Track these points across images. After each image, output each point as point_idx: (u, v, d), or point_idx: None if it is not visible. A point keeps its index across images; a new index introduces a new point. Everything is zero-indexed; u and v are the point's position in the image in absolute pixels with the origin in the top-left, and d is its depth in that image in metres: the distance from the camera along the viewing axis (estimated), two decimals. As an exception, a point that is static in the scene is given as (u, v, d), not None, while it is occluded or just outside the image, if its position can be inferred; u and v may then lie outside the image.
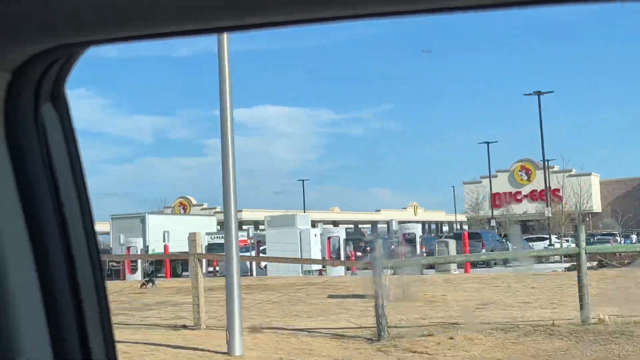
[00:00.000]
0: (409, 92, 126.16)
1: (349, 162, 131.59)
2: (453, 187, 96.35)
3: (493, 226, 62.91)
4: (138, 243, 47.27)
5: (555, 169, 76.93)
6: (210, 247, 42.63)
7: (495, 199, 78.51)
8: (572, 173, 77.34)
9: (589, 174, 79.99)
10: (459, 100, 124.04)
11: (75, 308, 1.51)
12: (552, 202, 73.42)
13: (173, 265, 44.50)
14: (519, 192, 78.02)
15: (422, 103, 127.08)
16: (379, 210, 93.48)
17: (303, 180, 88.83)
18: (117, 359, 1.61)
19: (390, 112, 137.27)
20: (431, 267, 32.14)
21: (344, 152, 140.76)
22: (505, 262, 36.27)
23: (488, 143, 68.61)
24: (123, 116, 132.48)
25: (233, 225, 11.65)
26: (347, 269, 32.47)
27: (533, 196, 77.58)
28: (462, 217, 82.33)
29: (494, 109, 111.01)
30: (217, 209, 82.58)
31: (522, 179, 78.30)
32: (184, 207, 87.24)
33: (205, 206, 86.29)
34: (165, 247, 45.88)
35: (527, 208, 75.28)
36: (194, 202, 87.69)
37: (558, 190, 75.98)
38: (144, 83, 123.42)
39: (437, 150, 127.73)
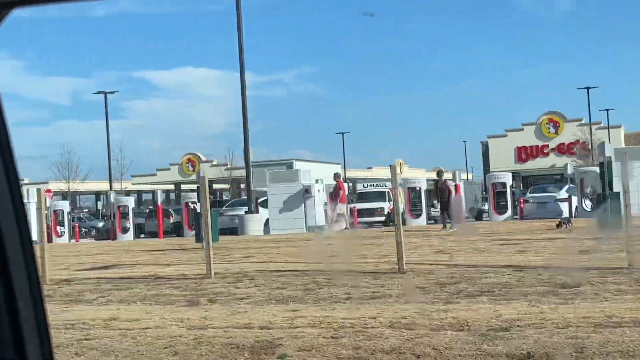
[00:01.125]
0: (330, 54, 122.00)
1: (273, 125, 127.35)
2: (464, 141, 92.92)
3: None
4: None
5: (583, 121, 73.74)
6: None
7: (521, 153, 74.85)
8: (601, 126, 73.71)
9: (619, 127, 76.24)
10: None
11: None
12: (581, 155, 70.37)
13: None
14: (546, 146, 74.28)
15: (347, 65, 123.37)
16: (370, 168, 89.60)
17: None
18: None
19: (311, 74, 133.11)
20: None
21: (268, 115, 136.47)
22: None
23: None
24: (38, 78, 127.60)
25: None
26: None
27: (560, 149, 73.95)
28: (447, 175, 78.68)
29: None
30: (228, 165, 78.87)
31: (549, 132, 74.48)
32: (193, 164, 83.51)
33: (215, 162, 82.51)
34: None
35: (555, 162, 71.61)
36: (204, 158, 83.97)
37: (586, 142, 72.88)
38: (59, 44, 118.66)
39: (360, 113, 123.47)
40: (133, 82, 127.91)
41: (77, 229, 47.53)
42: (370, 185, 63.51)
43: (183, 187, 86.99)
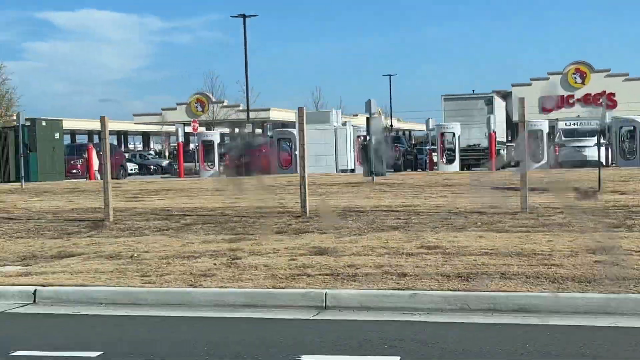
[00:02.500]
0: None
1: (179, 72, 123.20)
2: (473, 89, 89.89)
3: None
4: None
5: (610, 72, 71.18)
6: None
7: (546, 103, 72.03)
8: (629, 77, 71.13)
9: (647, 77, 73.47)
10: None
11: None
12: (608, 106, 68.16)
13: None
14: (572, 96, 71.59)
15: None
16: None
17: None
18: None
19: (218, 22, 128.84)
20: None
21: (174, 62, 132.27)
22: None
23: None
24: None
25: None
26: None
27: (587, 100, 71.27)
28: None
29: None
30: (241, 107, 75.81)
31: (575, 82, 71.73)
32: (202, 104, 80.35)
33: (226, 103, 79.37)
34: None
35: (580, 112, 68.98)
36: (214, 98, 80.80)
37: (613, 94, 70.40)
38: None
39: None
40: (34, 23, 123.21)
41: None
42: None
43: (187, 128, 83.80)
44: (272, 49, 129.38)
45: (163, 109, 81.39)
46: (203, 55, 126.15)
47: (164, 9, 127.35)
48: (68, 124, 72.54)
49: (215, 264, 10.56)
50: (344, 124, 40.44)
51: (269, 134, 48.92)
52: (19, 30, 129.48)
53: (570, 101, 70.48)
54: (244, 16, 53.01)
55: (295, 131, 40.17)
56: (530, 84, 72.33)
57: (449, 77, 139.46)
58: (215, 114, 78.91)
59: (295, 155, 37.78)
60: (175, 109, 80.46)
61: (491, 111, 46.57)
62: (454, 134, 41.47)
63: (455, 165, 40.77)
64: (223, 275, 9.86)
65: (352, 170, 39.19)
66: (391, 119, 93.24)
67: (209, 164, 41.84)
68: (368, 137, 29.97)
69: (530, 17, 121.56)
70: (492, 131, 42.85)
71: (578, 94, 70.48)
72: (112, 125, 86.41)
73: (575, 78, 71.26)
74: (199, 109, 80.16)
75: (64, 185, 32.03)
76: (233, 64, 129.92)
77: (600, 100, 68.99)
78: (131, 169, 51.10)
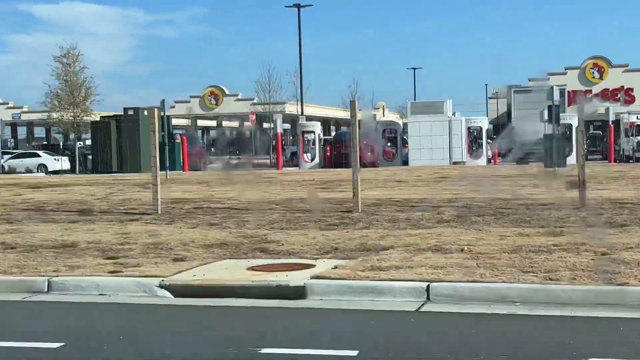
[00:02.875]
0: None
1: (164, 66, 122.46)
2: (486, 85, 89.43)
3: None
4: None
5: (628, 67, 70.62)
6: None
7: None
8: (648, 72, 70.54)
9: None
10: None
11: None
12: (626, 101, 67.63)
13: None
14: (590, 91, 70.98)
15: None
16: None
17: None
18: None
19: (203, 16, 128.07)
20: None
21: (159, 56, 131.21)
22: None
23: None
24: None
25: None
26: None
27: (604, 95, 70.68)
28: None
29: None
30: (255, 100, 75.26)
31: (593, 77, 71.15)
32: (216, 97, 79.84)
33: (240, 96, 78.85)
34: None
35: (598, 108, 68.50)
36: (227, 92, 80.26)
37: (632, 89, 69.85)
38: None
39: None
40: (17, 15, 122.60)
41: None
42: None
43: (200, 122, 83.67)
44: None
45: (176, 102, 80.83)
46: (188, 49, 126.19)
47: (148, 2, 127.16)
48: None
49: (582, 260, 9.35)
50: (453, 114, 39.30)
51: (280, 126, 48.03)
52: (1, 23, 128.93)
53: (588, 96, 69.97)
54: (298, 6, 52.17)
55: (401, 123, 39.69)
56: (548, 79, 71.75)
57: (459, 71, 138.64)
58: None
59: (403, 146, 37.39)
60: (188, 101, 79.99)
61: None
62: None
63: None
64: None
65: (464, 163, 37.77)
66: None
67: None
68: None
69: (547, 10, 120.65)
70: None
71: (596, 89, 70.00)
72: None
73: (593, 73, 70.73)
74: (213, 101, 79.63)
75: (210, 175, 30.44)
76: (221, 57, 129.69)
77: (618, 95, 68.59)
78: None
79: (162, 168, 29.94)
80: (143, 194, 19.89)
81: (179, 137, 40.28)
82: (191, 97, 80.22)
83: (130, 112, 35.44)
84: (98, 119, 44.31)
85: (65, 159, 44.47)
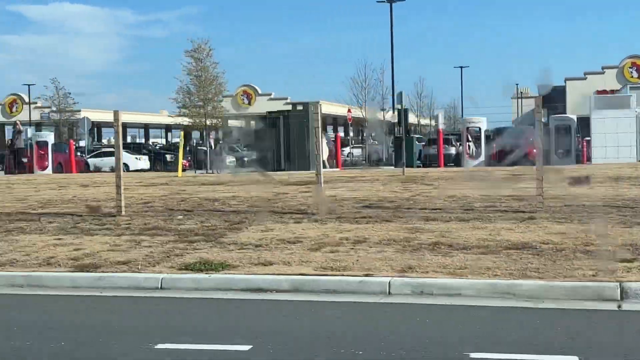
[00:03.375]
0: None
1: (153, 66, 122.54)
2: (517, 84, 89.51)
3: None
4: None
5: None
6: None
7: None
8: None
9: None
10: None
11: None
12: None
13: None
14: (628, 90, 71.08)
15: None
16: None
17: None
18: None
19: (193, 15, 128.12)
20: None
21: (148, 55, 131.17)
22: None
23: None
24: None
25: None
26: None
27: (645, 94, 70.71)
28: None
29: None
30: (289, 100, 74.79)
31: (631, 76, 71.20)
32: (248, 96, 79.20)
33: (273, 95, 78.29)
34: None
35: (636, 108, 68.69)
36: (260, 91, 79.66)
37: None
38: None
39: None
40: (7, 15, 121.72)
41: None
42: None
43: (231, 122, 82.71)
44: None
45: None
46: (178, 48, 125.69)
47: (137, 3, 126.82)
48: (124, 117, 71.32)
49: None
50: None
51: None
52: None
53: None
54: (390, 0, 51.36)
55: (575, 117, 38.02)
56: (585, 78, 71.97)
57: (498, 71, 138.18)
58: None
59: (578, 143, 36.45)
60: (221, 101, 79.22)
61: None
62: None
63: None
64: None
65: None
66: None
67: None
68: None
69: (585, 10, 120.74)
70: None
71: (634, 88, 70.19)
72: (137, 118, 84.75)
73: (631, 72, 70.84)
74: (245, 101, 78.99)
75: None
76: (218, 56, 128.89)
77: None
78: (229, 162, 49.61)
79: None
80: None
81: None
82: (223, 96, 79.45)
83: (299, 108, 34.66)
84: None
85: (145, 157, 43.80)
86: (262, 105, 78.70)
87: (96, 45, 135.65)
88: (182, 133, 42.22)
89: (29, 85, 74.40)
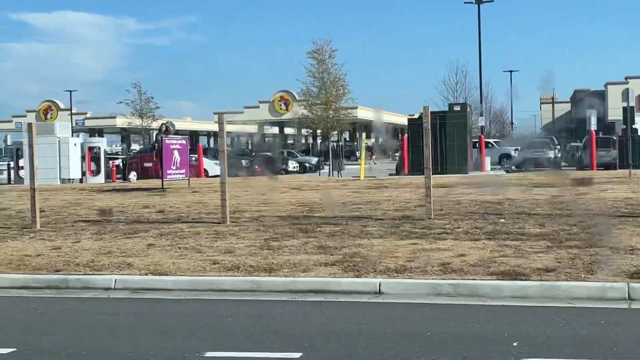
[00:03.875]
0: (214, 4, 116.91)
1: (155, 73, 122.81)
2: (553, 88, 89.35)
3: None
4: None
5: None
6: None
7: (644, 103, 71.23)
8: None
9: None
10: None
11: None
12: None
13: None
14: (672, 93, 70.75)
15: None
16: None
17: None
18: None
19: (195, 24, 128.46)
20: None
21: (150, 63, 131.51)
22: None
23: None
24: None
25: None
26: None
27: (689, 98, 70.47)
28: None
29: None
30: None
31: (673, 81, 71.10)
32: (286, 102, 78.60)
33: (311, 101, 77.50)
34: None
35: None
36: (297, 97, 78.94)
37: None
38: None
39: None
40: (10, 23, 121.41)
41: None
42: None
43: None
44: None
45: (245, 107, 79.66)
46: (179, 57, 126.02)
47: (140, 11, 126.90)
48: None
49: None
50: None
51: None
52: None
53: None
54: (479, 2, 50.46)
55: None
56: (626, 82, 71.73)
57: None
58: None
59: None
60: (257, 107, 78.72)
61: None
62: None
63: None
64: None
65: None
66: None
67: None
68: None
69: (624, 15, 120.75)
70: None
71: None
72: (184, 125, 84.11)
73: (673, 76, 70.78)
74: (283, 107, 78.40)
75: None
76: (218, 64, 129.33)
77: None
78: (293, 167, 49.18)
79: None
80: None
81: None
82: (260, 102, 78.89)
83: (457, 108, 33.91)
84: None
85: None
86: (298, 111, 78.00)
87: (98, 53, 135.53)
88: (364, 135, 42.12)
89: (70, 91, 73.40)
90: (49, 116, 77.92)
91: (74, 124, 76.48)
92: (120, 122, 72.29)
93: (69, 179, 34.96)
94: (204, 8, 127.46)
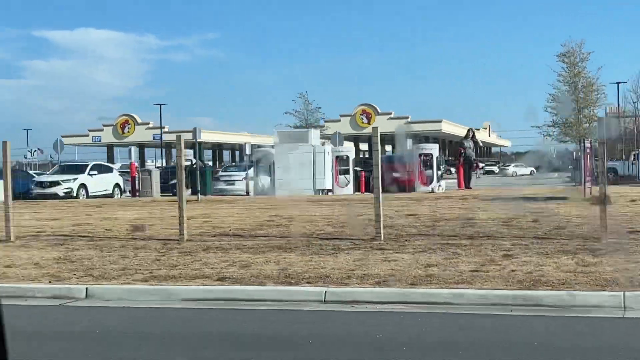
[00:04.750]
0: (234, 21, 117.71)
1: (175, 89, 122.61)
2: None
3: None
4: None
5: None
6: None
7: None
8: None
9: None
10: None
11: None
12: None
13: None
14: None
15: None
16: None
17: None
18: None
19: (215, 40, 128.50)
20: None
21: (170, 79, 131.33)
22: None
23: None
24: None
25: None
26: None
27: None
28: None
29: None
30: (409, 119, 72.57)
31: None
32: (368, 116, 76.98)
33: (393, 115, 76.04)
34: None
35: None
36: (379, 110, 77.55)
37: None
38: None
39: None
40: (33, 41, 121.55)
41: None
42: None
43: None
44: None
45: (326, 121, 78.08)
46: (199, 73, 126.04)
47: (161, 28, 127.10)
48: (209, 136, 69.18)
49: None
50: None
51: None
52: (17, 48, 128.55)
53: None
54: None
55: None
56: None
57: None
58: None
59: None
60: (339, 120, 77.09)
61: None
62: None
63: None
64: None
65: None
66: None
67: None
68: None
69: None
70: None
71: None
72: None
73: None
74: (365, 120, 76.81)
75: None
76: (233, 81, 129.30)
77: None
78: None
79: None
80: None
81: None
82: (341, 116, 77.33)
83: None
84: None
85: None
86: (381, 125, 76.26)
87: (119, 70, 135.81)
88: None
89: (160, 104, 71.61)
90: (126, 130, 76.57)
91: (151, 138, 75.11)
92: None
93: (324, 190, 32.38)
94: (222, 25, 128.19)
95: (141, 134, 76.25)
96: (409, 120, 74.31)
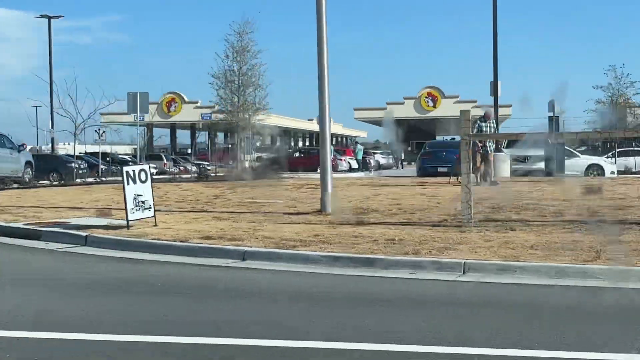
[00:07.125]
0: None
1: (79, 72, 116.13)
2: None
3: None
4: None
5: None
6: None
7: None
8: None
9: None
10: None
11: None
12: None
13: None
14: None
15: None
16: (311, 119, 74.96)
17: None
18: None
19: (118, 23, 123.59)
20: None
21: (72, 61, 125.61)
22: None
23: None
24: None
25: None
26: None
27: None
28: None
29: None
30: (477, 102, 66.91)
31: None
32: (434, 99, 71.67)
33: (459, 98, 70.62)
34: None
35: None
36: (446, 93, 72.03)
37: None
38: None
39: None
40: None
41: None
42: None
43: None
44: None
45: (388, 103, 72.74)
46: (102, 54, 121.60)
47: (64, 9, 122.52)
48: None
49: None
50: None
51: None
52: None
53: None
54: None
55: None
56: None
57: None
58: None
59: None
60: (402, 103, 71.69)
61: None
62: None
63: None
64: None
65: None
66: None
67: None
68: None
69: None
70: None
71: None
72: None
73: None
74: (430, 103, 71.43)
75: None
76: (140, 64, 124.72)
77: None
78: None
79: None
80: None
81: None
82: (405, 98, 72.15)
83: None
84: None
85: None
86: (448, 109, 70.59)
87: (19, 50, 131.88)
88: None
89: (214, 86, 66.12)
90: (172, 109, 71.59)
91: (199, 118, 70.13)
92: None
93: None
94: (126, 7, 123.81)
95: (188, 113, 71.31)
96: (476, 104, 68.62)
